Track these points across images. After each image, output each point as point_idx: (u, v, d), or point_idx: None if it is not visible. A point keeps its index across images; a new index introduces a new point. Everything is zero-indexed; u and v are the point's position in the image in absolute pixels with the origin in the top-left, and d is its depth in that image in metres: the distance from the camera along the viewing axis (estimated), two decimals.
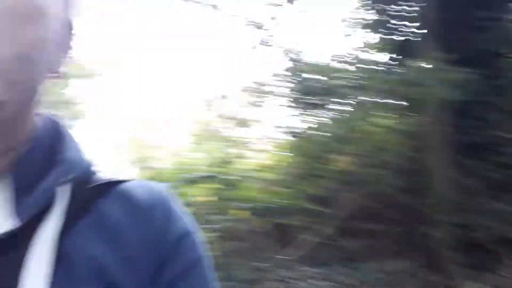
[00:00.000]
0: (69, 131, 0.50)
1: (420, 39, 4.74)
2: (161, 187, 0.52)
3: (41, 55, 0.41)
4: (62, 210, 0.42)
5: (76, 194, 0.44)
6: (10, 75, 0.38)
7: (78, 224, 0.43)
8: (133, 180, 0.51)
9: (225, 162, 4.92)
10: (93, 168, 0.49)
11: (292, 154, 5.19)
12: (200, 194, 4.45)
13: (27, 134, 0.44)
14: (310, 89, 4.76)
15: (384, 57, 5.20)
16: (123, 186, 0.49)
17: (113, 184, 0.48)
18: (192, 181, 4.51)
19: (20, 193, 0.41)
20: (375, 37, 5.27)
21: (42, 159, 0.44)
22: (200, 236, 0.51)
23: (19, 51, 0.38)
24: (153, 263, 0.45)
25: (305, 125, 5.13)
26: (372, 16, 5.21)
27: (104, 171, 0.51)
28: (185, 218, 0.50)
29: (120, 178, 0.50)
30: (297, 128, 5.13)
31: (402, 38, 4.99)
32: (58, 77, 0.49)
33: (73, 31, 0.50)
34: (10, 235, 0.38)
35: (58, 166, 0.43)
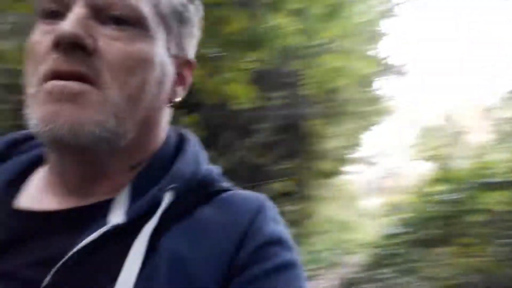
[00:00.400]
0: (192, 143, 0.56)
1: None
2: (258, 196, 0.54)
3: (152, 97, 0.49)
4: (161, 212, 0.47)
5: (179, 200, 0.49)
6: (120, 114, 0.46)
7: (174, 227, 0.47)
8: (234, 189, 0.55)
9: None
10: (203, 178, 0.53)
11: None
12: (500, 202, 3.91)
13: (150, 152, 0.52)
14: None
15: None
16: (223, 194, 0.53)
17: (215, 193, 0.52)
18: (491, 186, 4.06)
19: (133, 199, 0.48)
20: None
21: (157, 171, 0.50)
22: (292, 244, 0.51)
23: (128, 93, 0.46)
24: (234, 263, 0.46)
25: None
26: None
27: (218, 182, 0.55)
28: (276, 226, 0.51)
29: (223, 187, 0.54)
30: None
31: None
32: (176, 105, 0.56)
33: (187, 69, 0.56)
34: (116, 230, 0.45)
35: (166, 176, 0.50)
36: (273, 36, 3.40)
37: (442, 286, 4.00)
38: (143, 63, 0.47)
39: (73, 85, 0.43)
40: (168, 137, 0.55)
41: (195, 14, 0.56)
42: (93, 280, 0.43)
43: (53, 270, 0.42)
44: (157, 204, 0.47)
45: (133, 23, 0.47)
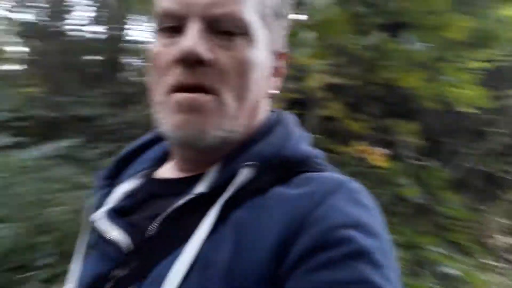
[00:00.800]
0: (284, 125, 0.58)
1: None
2: (341, 177, 0.51)
3: (256, 93, 0.54)
4: (236, 187, 0.50)
5: (257, 177, 0.51)
6: (234, 114, 0.52)
7: (248, 202, 0.49)
8: (322, 171, 0.53)
9: None
10: (288, 158, 0.54)
11: None
12: None
13: (245, 133, 0.55)
14: None
15: None
16: (306, 175, 0.52)
17: (296, 173, 0.52)
18: None
19: (216, 173, 0.53)
20: None
21: (246, 149, 0.54)
22: (376, 231, 0.45)
23: (239, 95, 0.52)
24: (296, 247, 0.44)
25: None
26: None
27: (306, 163, 0.54)
28: (355, 208, 0.47)
29: (306, 168, 0.53)
30: None
31: None
32: (274, 97, 0.60)
33: (282, 60, 0.60)
34: (199, 198, 0.51)
35: (245, 154, 0.53)
36: (504, 30, 3.03)
37: None
38: (251, 66, 0.52)
39: (199, 97, 0.50)
40: (265, 120, 0.59)
41: (287, 7, 0.59)
42: (176, 237, 0.50)
43: (154, 224, 0.52)
44: (233, 179, 0.51)
45: (241, 32, 0.51)
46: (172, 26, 0.52)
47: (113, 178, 0.66)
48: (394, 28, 3.15)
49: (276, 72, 0.60)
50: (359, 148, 3.22)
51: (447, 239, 3.46)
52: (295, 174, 0.52)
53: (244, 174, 0.51)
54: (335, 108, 3.46)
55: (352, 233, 0.44)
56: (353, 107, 3.67)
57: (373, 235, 0.45)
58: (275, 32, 0.57)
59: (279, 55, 0.60)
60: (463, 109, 3.19)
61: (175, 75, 0.50)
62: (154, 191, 0.59)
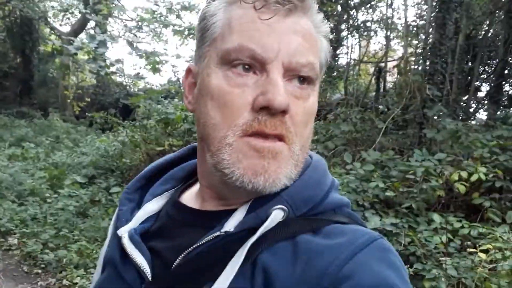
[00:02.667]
0: (313, 168, 0.57)
1: None
2: (369, 233, 0.50)
3: (310, 138, 0.56)
4: (263, 230, 0.49)
5: (287, 222, 0.51)
6: (299, 162, 0.53)
7: (276, 246, 0.49)
8: (351, 223, 0.54)
9: None
10: (319, 206, 0.54)
11: None
12: None
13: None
14: None
15: None
16: (334, 226, 0.52)
17: (325, 222, 0.52)
18: None
19: (248, 212, 0.53)
20: None
21: (277, 192, 0.53)
22: None
23: (303, 144, 0.54)
24: None
25: None
26: None
27: (334, 213, 0.55)
28: (383, 268, 0.46)
29: (335, 219, 0.53)
30: None
31: None
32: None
33: None
34: (228, 236, 0.51)
35: (278, 197, 0.52)
36: None
37: None
38: (312, 116, 0.55)
39: (276, 146, 0.50)
40: (308, 160, 0.59)
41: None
42: (201, 274, 0.50)
43: (179, 257, 0.53)
44: (264, 221, 0.50)
45: (310, 81, 0.53)
46: (248, 64, 0.51)
47: (138, 194, 0.66)
48: None
49: None
50: None
51: None
52: (324, 223, 0.52)
53: (273, 218, 0.51)
54: None
55: None
56: None
57: None
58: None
59: None
60: None
61: (256, 122, 0.50)
62: (180, 219, 0.59)
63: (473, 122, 7.82)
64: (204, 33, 0.56)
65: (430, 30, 7.23)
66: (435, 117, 5.48)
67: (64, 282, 3.75)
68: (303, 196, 0.54)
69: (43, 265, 4.08)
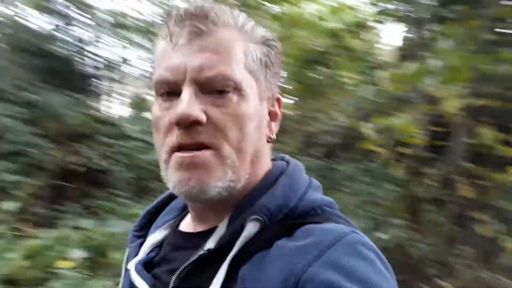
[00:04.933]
0: (289, 175, 0.59)
1: None
2: (342, 228, 0.51)
3: (254, 142, 0.57)
4: (242, 243, 0.51)
5: (263, 231, 0.52)
6: (235, 164, 0.55)
7: (254, 257, 0.51)
8: (327, 221, 0.54)
9: None
10: (293, 210, 0.55)
11: None
12: None
13: (254, 183, 0.59)
14: None
15: None
16: (307, 226, 0.53)
17: (300, 224, 0.53)
18: None
19: (224, 228, 0.55)
20: None
21: (253, 202, 0.55)
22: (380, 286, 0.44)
23: (237, 147, 0.55)
24: None
25: None
26: None
27: (311, 213, 0.55)
28: (356, 261, 0.47)
29: (311, 220, 0.54)
30: None
31: None
32: (273, 140, 0.62)
33: (277, 105, 0.63)
34: (211, 254, 0.53)
35: (250, 208, 0.54)
36: None
37: None
38: (244, 119, 0.56)
39: (197, 154, 0.54)
40: (271, 169, 0.62)
41: (277, 55, 0.62)
42: None
43: (173, 278, 0.55)
44: (240, 233, 0.53)
45: (231, 90, 0.55)
46: (169, 91, 0.56)
47: (145, 229, 0.72)
48: None
49: (272, 117, 0.63)
50: None
51: None
52: (298, 226, 0.53)
53: (249, 230, 0.53)
54: (482, 133, 3.16)
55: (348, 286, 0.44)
56: (501, 129, 3.29)
57: None
58: (266, 80, 0.60)
59: (273, 101, 0.63)
60: None
61: (175, 137, 0.55)
62: (176, 244, 0.64)
63: None
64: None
65: None
66: None
67: None
68: (277, 203, 0.55)
69: None
